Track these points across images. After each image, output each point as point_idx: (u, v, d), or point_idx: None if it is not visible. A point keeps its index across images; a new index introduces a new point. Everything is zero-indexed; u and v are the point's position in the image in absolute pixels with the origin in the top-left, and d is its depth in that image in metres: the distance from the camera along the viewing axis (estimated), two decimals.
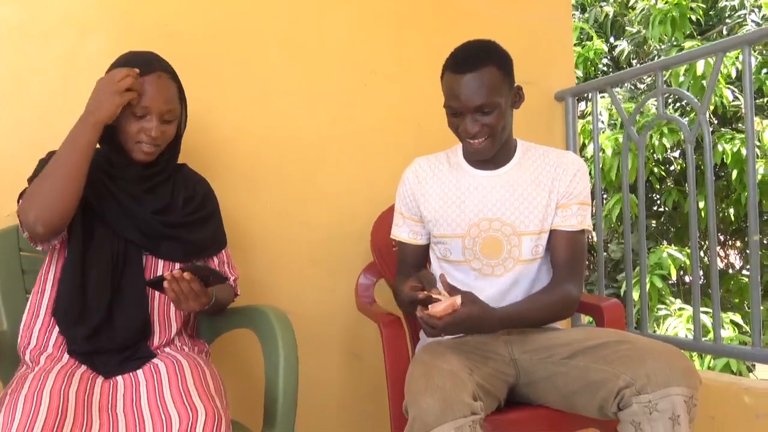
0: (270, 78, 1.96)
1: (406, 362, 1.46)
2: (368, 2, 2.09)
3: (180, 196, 1.53)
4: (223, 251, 1.61)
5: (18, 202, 1.38)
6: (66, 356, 1.34)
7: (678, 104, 5.02)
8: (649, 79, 5.10)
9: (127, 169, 1.47)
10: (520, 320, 1.46)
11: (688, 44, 4.60)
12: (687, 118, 4.71)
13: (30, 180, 1.40)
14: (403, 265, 1.67)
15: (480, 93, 1.42)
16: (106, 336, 1.36)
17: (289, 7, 1.98)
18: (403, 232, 1.65)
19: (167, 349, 1.41)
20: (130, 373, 1.32)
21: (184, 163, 1.63)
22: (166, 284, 1.28)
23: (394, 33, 2.13)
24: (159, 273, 1.43)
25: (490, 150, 1.50)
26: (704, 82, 4.12)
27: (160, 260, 1.45)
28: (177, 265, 1.46)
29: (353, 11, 2.08)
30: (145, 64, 1.43)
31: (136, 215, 1.43)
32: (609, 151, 4.44)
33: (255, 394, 1.57)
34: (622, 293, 4.30)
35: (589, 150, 4.62)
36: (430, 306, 1.29)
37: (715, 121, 4.92)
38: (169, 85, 1.47)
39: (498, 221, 1.54)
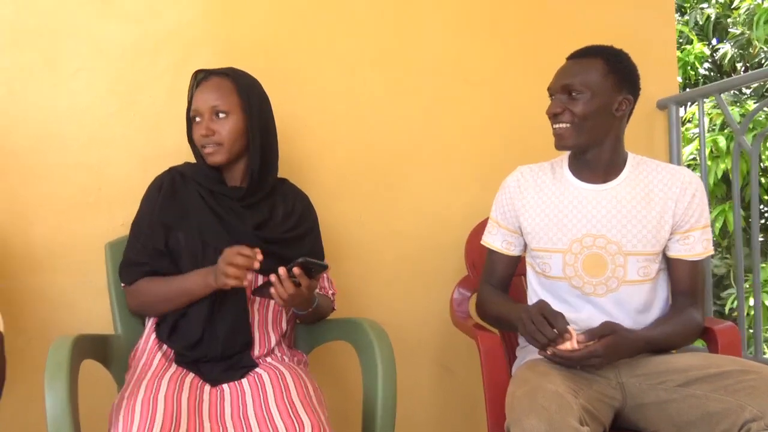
0: (361, 88, 1.97)
1: (505, 381, 1.41)
2: (460, 11, 2.06)
3: (279, 212, 1.56)
4: None
5: (122, 270, 1.48)
6: (174, 364, 1.38)
7: None
8: (756, 83, 4.79)
9: (226, 188, 1.51)
10: (657, 345, 1.41)
11: None
12: None
13: (131, 235, 1.50)
14: (490, 274, 1.63)
15: (571, 73, 1.44)
16: (209, 346, 1.40)
17: (380, 18, 1.98)
18: (496, 240, 1.61)
19: (269, 359, 1.44)
20: (236, 382, 1.35)
21: (284, 179, 1.66)
22: (273, 291, 1.31)
23: (487, 41, 2.09)
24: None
25: (569, 139, 1.45)
26: None
27: (259, 275, 1.47)
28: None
29: (445, 20, 2.05)
30: (195, 77, 1.51)
31: (236, 231, 1.47)
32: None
33: (349, 405, 1.57)
34: (726, 311, 4.04)
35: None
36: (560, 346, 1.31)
37: None
38: (219, 83, 1.49)
39: (603, 238, 1.47)
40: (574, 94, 1.42)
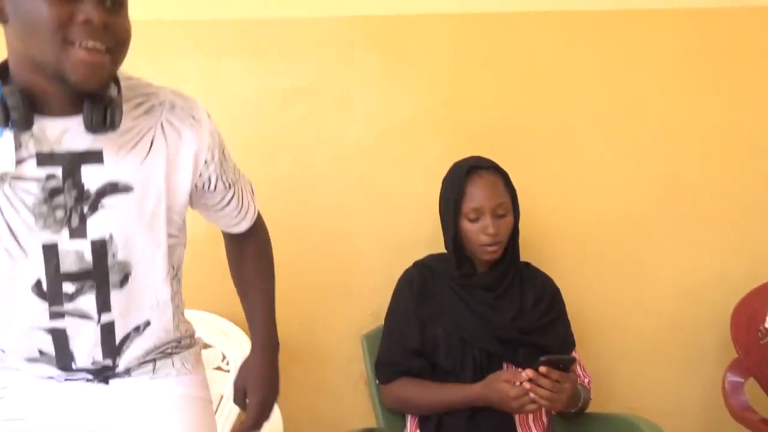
0: (589, 154, 1.87)
1: None
2: (687, 54, 1.88)
3: (529, 299, 1.53)
4: (573, 352, 1.56)
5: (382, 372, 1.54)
6: None
7: None
8: None
9: (476, 277, 1.52)
10: None
11: None
12: None
13: (385, 331, 1.56)
14: None
15: None
16: None
17: (599, 77, 1.87)
18: None
19: None
20: None
21: (527, 262, 1.63)
22: (528, 385, 1.28)
23: (724, 82, 1.88)
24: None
25: None
26: None
27: (519, 368, 1.44)
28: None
29: (671, 67, 1.88)
30: (465, 170, 1.51)
31: (493, 325, 1.46)
32: None
33: None
34: None
35: None
36: None
37: None
38: (493, 180, 1.50)
39: None
40: None
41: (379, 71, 1.81)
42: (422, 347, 1.48)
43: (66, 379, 0.99)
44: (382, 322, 1.61)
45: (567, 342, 1.55)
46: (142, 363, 1.02)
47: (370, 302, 1.77)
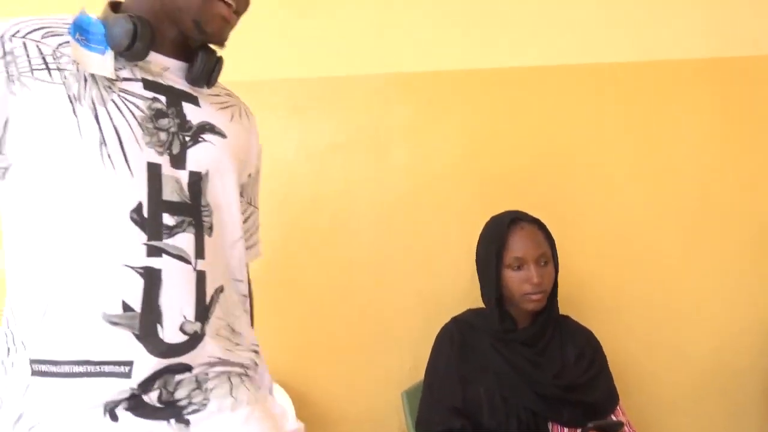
0: (622, 205, 1.88)
1: None
2: (715, 105, 1.89)
3: (571, 354, 1.52)
4: (618, 407, 1.54)
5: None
6: None
7: None
8: None
9: (517, 332, 1.52)
10: None
11: None
12: None
13: (426, 389, 1.53)
14: None
15: None
16: None
17: (632, 129, 1.88)
18: None
19: None
20: None
21: (567, 315, 1.63)
22: None
23: (754, 133, 1.88)
24: None
25: None
26: None
27: (565, 428, 1.43)
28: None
29: (699, 118, 1.89)
30: (507, 222, 1.52)
31: (536, 383, 1.45)
32: None
33: None
34: None
35: None
36: None
37: None
38: (534, 232, 1.53)
39: None
40: None
41: (414, 126, 1.84)
42: (464, 405, 1.46)
43: (134, 408, 0.82)
44: (421, 376, 1.60)
45: (611, 397, 1.53)
46: (220, 371, 0.91)
47: (409, 356, 1.78)
